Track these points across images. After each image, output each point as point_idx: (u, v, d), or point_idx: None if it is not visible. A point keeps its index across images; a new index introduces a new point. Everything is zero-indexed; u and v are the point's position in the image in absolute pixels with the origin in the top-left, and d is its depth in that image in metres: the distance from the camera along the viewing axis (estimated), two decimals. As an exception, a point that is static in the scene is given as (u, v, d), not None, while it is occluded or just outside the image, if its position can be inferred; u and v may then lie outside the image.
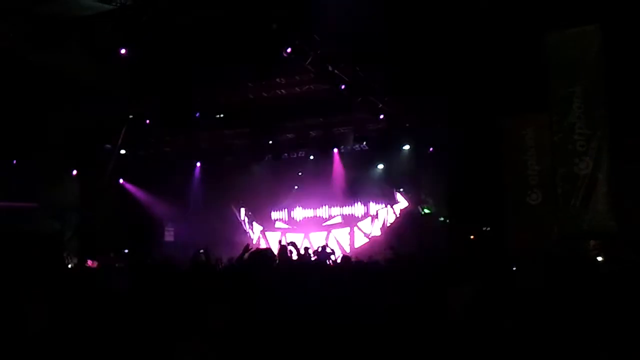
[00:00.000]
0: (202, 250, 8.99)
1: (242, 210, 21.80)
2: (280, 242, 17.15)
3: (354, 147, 19.72)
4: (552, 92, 11.22)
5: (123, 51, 13.02)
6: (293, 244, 8.71)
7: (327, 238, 20.15)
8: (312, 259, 10.16)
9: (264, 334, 3.46)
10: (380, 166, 19.38)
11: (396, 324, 3.84)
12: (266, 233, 21.46)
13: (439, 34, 12.07)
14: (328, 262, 9.61)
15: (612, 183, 10.58)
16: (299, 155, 20.56)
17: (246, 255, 5.65)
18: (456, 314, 3.61)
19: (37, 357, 3.37)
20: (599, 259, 10.52)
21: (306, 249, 13.41)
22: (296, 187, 20.77)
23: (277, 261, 6.05)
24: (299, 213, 21.28)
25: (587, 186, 10.64)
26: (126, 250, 15.96)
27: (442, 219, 17.74)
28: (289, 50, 12.63)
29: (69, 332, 3.53)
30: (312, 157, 20.22)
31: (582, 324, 4.13)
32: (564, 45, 11.08)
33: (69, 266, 13.12)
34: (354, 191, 20.13)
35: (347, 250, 19.37)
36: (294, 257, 8.53)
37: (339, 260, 10.54)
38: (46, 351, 3.39)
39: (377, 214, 20.08)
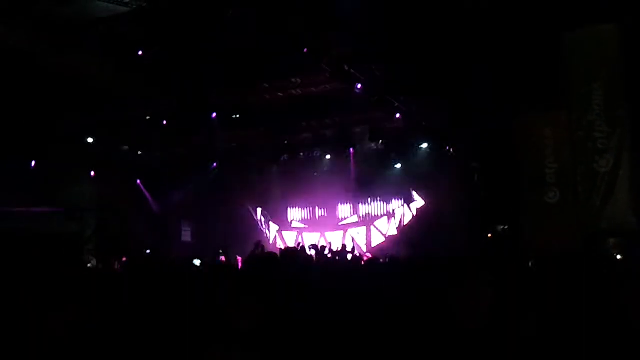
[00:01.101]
0: (221, 251, 9.03)
1: (259, 210, 21.84)
2: (299, 243, 17.18)
3: (370, 147, 19.70)
4: (571, 89, 11.18)
5: (139, 53, 13.10)
6: (315, 247, 8.74)
7: (343, 237, 20.18)
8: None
9: (293, 334, 3.46)
10: (398, 165, 19.35)
11: (417, 324, 3.83)
12: (283, 232, 21.49)
13: (456, 32, 12.03)
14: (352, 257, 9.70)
15: (632, 181, 10.53)
16: (315, 154, 20.56)
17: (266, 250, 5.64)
18: (475, 314, 3.58)
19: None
20: (619, 257, 10.44)
21: (323, 247, 13.47)
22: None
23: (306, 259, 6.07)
24: (315, 212, 21.30)
25: (608, 184, 10.59)
26: (148, 251, 16.03)
27: None
28: (305, 50, 12.64)
29: (92, 335, 3.54)
30: (328, 157, 20.24)
31: (603, 323, 4.09)
32: (584, 43, 11.04)
33: (88, 265, 13.26)
34: (371, 190, 20.13)
35: (364, 249, 19.36)
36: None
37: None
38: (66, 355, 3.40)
39: (393, 212, 20.06)
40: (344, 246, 12.11)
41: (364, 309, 4.13)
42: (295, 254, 5.09)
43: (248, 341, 3.31)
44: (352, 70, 14.01)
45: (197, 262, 8.43)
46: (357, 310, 4.09)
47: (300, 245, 16.38)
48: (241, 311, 3.46)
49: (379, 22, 11.72)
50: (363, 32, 12.13)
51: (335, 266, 6.18)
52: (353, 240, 20.09)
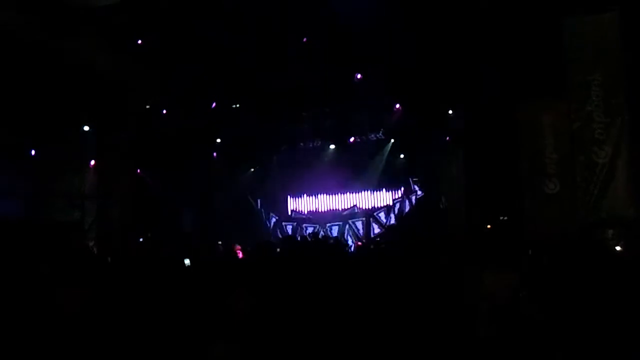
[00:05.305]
0: (220, 242, 9.00)
1: (259, 200, 21.83)
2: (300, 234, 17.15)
3: (370, 137, 19.67)
4: (570, 79, 11.17)
5: (139, 41, 13.11)
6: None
7: (343, 228, 20.18)
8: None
9: (289, 324, 3.48)
10: (399, 156, 19.39)
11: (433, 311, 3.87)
12: (283, 223, 21.48)
13: (457, 20, 12.02)
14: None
15: (631, 171, 10.55)
16: (315, 144, 20.53)
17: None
18: (503, 295, 3.64)
19: (69, 342, 3.41)
20: (618, 248, 10.46)
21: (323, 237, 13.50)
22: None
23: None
24: (315, 203, 21.29)
25: (606, 174, 10.62)
26: (140, 239, 16.03)
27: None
28: (304, 39, 12.63)
29: (100, 318, 3.56)
30: (328, 147, 20.22)
31: (603, 312, 4.13)
32: (583, 32, 11.03)
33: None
34: (370, 181, 20.13)
35: (364, 240, 19.36)
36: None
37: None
38: (78, 336, 3.43)
39: (393, 203, 20.05)
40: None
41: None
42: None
43: (243, 333, 3.33)
44: (352, 59, 13.97)
45: (187, 261, 8.26)
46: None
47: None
48: (236, 303, 3.49)
49: (379, 8, 11.71)
50: (363, 17, 12.12)
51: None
52: (353, 230, 20.11)
